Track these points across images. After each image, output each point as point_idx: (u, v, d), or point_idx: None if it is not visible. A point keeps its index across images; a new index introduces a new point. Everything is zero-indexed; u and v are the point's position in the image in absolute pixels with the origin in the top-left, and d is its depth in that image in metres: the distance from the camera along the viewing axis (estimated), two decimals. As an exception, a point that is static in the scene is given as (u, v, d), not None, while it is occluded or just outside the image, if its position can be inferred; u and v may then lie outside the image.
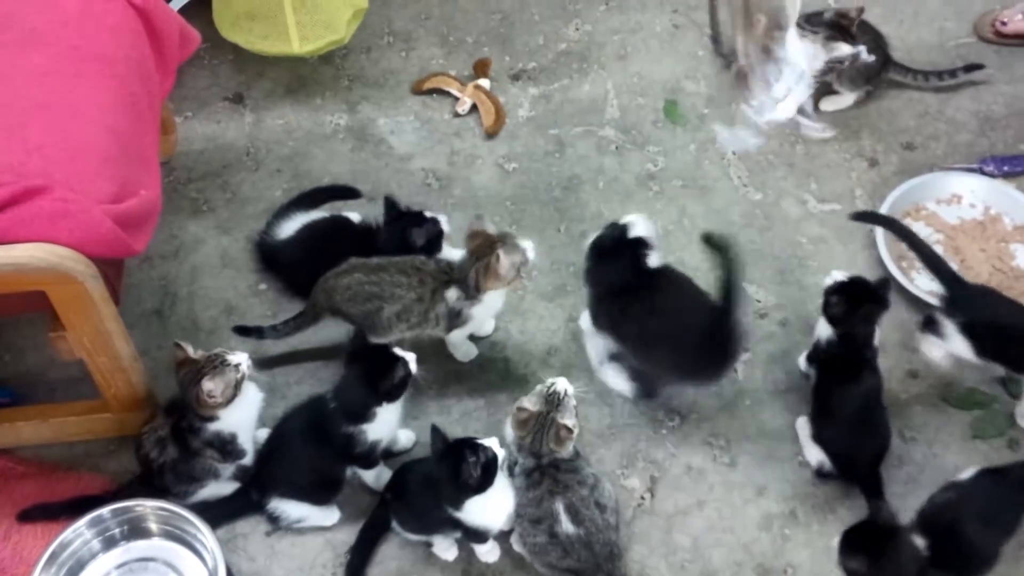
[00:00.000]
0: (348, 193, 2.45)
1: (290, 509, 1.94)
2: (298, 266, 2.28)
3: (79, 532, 1.86)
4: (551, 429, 1.82)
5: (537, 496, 1.84)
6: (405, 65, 2.77)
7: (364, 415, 1.89)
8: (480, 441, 1.79)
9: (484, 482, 1.78)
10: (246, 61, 2.74)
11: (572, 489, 1.83)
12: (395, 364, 1.88)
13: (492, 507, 1.83)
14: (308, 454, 1.93)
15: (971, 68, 2.61)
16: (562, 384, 1.85)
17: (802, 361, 2.14)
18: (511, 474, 1.88)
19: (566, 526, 1.82)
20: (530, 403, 1.84)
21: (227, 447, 1.91)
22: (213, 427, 1.88)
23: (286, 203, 2.39)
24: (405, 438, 2.06)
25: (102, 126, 1.86)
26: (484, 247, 2.01)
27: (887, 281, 2.04)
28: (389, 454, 2.01)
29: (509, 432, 1.89)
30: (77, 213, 1.72)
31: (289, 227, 2.31)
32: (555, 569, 1.87)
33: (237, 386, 1.87)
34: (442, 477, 1.79)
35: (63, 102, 1.85)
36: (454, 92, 2.68)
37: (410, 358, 1.89)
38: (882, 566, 1.74)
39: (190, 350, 1.88)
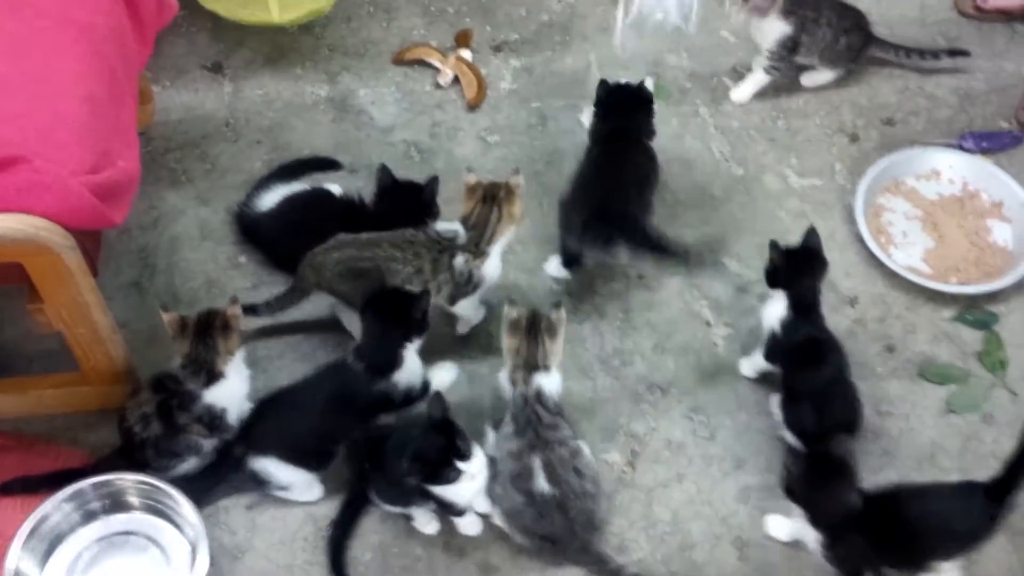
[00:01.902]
0: (329, 165, 2.43)
1: (280, 472, 1.93)
2: (278, 238, 2.27)
3: (59, 505, 1.86)
4: (542, 323, 1.87)
5: (518, 448, 1.85)
6: (386, 35, 2.74)
7: (394, 362, 1.91)
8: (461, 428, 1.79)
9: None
10: (225, 30, 2.70)
11: (552, 447, 1.85)
12: (413, 298, 1.91)
13: (461, 485, 1.82)
14: (318, 420, 1.93)
15: (955, 53, 2.61)
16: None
17: (751, 366, 2.14)
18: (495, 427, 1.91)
19: (541, 484, 1.83)
20: (515, 312, 1.90)
21: (216, 422, 1.90)
22: (207, 400, 1.88)
23: (266, 175, 2.38)
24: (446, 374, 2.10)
25: (79, 96, 1.83)
26: (491, 190, 2.04)
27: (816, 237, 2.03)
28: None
29: (503, 380, 1.91)
30: (54, 184, 1.70)
31: (269, 199, 2.30)
32: (532, 536, 1.88)
33: (238, 341, 1.89)
34: (426, 462, 1.77)
35: (39, 72, 1.82)
36: (435, 63, 2.66)
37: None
38: (819, 499, 1.76)
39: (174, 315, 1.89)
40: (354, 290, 2.05)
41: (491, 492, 1.90)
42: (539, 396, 1.87)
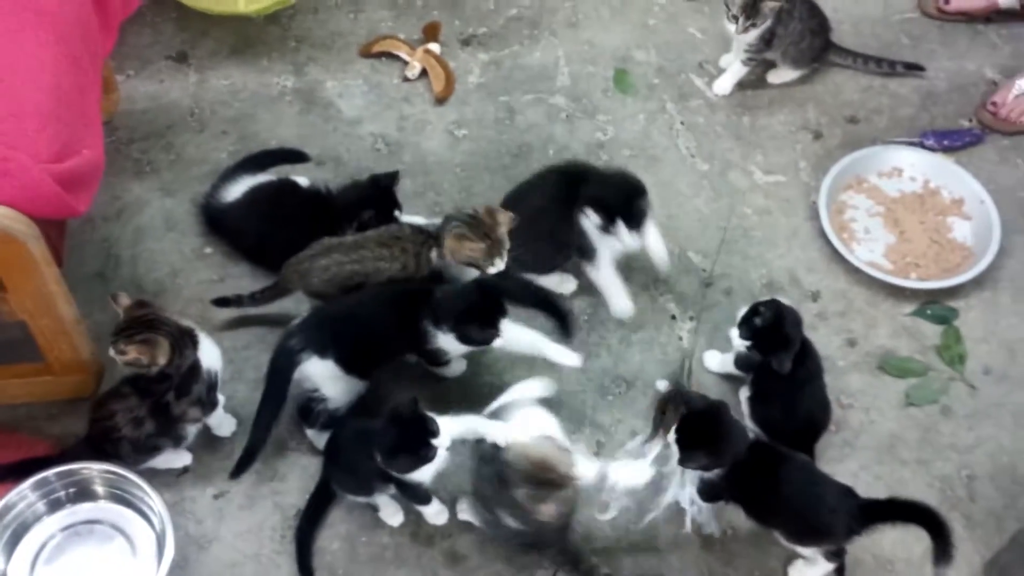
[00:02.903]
0: (295, 157, 2.42)
1: (316, 369, 1.93)
2: (244, 230, 2.27)
3: (23, 495, 1.85)
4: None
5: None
6: (353, 27, 2.74)
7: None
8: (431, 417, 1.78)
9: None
10: (190, 19, 2.68)
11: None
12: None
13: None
14: (380, 327, 1.96)
15: (911, 67, 2.65)
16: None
17: (718, 363, 2.16)
18: None
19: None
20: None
21: (212, 394, 1.91)
22: (204, 365, 1.87)
23: (232, 165, 2.36)
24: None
25: (43, 84, 1.81)
26: (481, 227, 1.99)
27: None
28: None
29: None
30: (17, 172, 1.68)
31: (235, 190, 2.28)
32: (501, 530, 1.88)
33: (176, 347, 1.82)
34: (397, 447, 1.76)
35: (3, 60, 1.80)
36: (403, 56, 2.66)
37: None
38: (722, 450, 1.78)
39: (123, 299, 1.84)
40: (342, 294, 2.05)
41: (477, 493, 1.90)
42: None
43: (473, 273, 2.05)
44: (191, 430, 1.94)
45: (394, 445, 1.75)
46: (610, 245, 2.13)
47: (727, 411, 1.81)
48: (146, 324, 1.79)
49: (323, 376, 1.95)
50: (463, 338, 1.93)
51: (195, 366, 1.86)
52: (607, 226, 2.07)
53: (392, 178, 2.23)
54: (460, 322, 1.91)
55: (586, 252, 2.16)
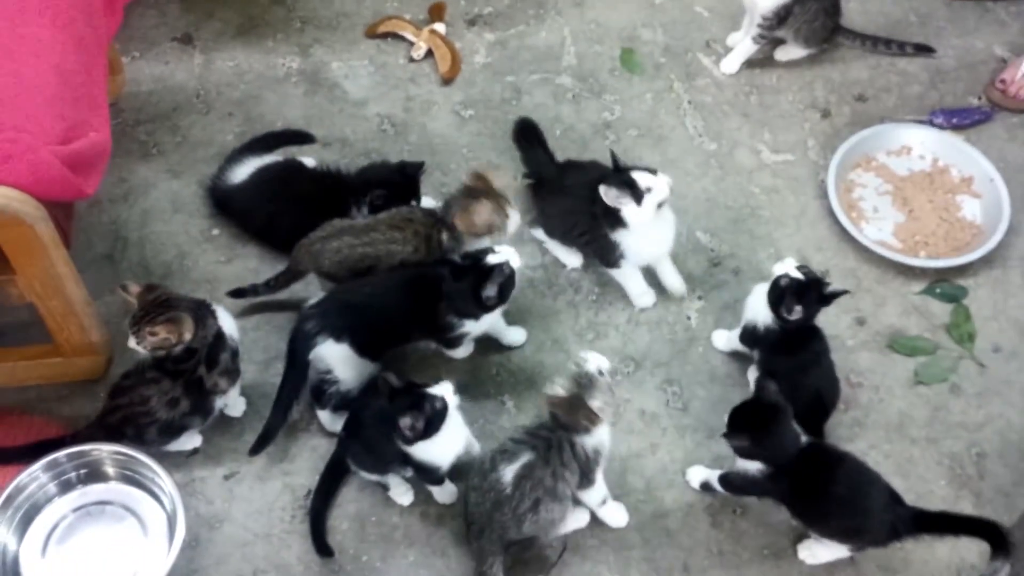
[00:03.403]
0: (302, 138, 2.42)
1: (331, 351, 1.96)
2: (252, 211, 2.26)
3: (35, 476, 1.86)
4: (583, 410, 1.77)
5: (525, 440, 1.83)
6: (359, 8, 2.73)
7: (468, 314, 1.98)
8: (429, 391, 1.78)
9: (429, 431, 1.77)
10: (195, 1, 2.67)
11: (547, 468, 1.80)
12: (492, 272, 1.92)
13: (439, 446, 1.83)
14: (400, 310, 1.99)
15: (921, 48, 2.64)
16: (594, 363, 1.81)
17: (725, 340, 2.16)
18: None
19: (506, 473, 1.80)
20: (561, 388, 1.78)
21: (235, 361, 1.93)
22: (225, 330, 1.89)
23: (239, 147, 2.36)
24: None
25: (49, 65, 1.81)
26: (478, 191, 2.02)
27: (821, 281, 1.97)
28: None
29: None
30: (25, 154, 1.68)
31: (242, 171, 2.28)
32: (471, 493, 1.86)
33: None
34: (389, 424, 1.78)
35: (7, 41, 1.80)
36: (409, 36, 2.65)
37: (511, 255, 1.94)
38: (765, 442, 1.79)
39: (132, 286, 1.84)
40: (352, 276, 2.05)
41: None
42: (571, 442, 1.82)
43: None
44: (218, 403, 1.95)
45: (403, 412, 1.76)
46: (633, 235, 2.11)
47: (787, 415, 1.79)
48: (163, 305, 1.80)
49: (337, 359, 1.96)
50: (485, 306, 1.94)
51: (219, 335, 1.88)
52: (627, 191, 2.04)
53: (418, 168, 2.22)
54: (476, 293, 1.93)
55: (607, 257, 2.17)
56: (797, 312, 1.90)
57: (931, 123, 2.51)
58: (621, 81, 2.62)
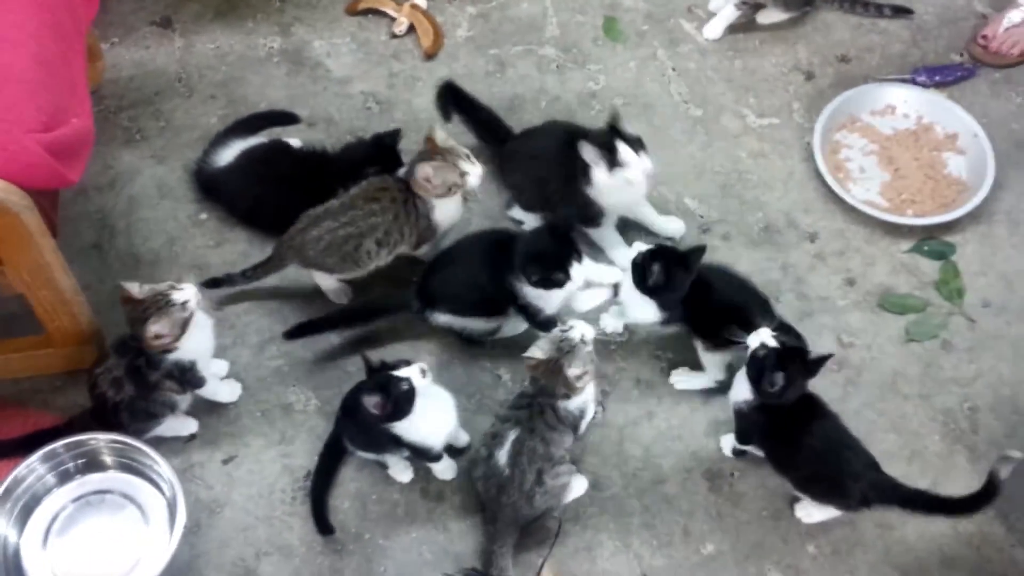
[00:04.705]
0: (286, 119, 2.41)
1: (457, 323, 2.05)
2: (239, 193, 2.25)
3: (32, 468, 1.85)
4: (560, 376, 1.79)
5: (509, 417, 1.85)
6: (338, -15, 2.71)
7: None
8: (396, 373, 1.77)
9: (397, 412, 1.78)
10: (172, -16, 2.65)
11: (535, 437, 1.82)
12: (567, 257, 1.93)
13: (420, 426, 1.83)
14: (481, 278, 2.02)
15: (900, 10, 2.63)
16: (579, 331, 1.81)
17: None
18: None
19: (501, 456, 1.83)
20: (540, 351, 1.81)
21: (186, 375, 1.89)
22: (172, 357, 1.86)
23: (223, 130, 2.35)
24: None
25: (28, 53, 1.79)
26: (427, 153, 2.03)
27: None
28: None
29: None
30: (7, 143, 1.67)
31: (227, 154, 2.27)
32: (478, 483, 1.90)
33: (185, 324, 1.83)
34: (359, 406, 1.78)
35: (-16, 30, 1.78)
36: (390, 12, 2.63)
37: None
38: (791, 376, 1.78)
39: (134, 289, 1.82)
40: (341, 259, 2.05)
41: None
42: (552, 405, 1.84)
43: (453, 213, 2.08)
44: (179, 400, 1.94)
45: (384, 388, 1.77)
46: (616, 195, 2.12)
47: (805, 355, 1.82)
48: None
49: (454, 322, 2.06)
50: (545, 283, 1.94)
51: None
52: (605, 156, 2.05)
53: (395, 136, 2.21)
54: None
55: (588, 217, 2.16)
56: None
57: (914, 81, 2.51)
58: (605, 50, 2.61)
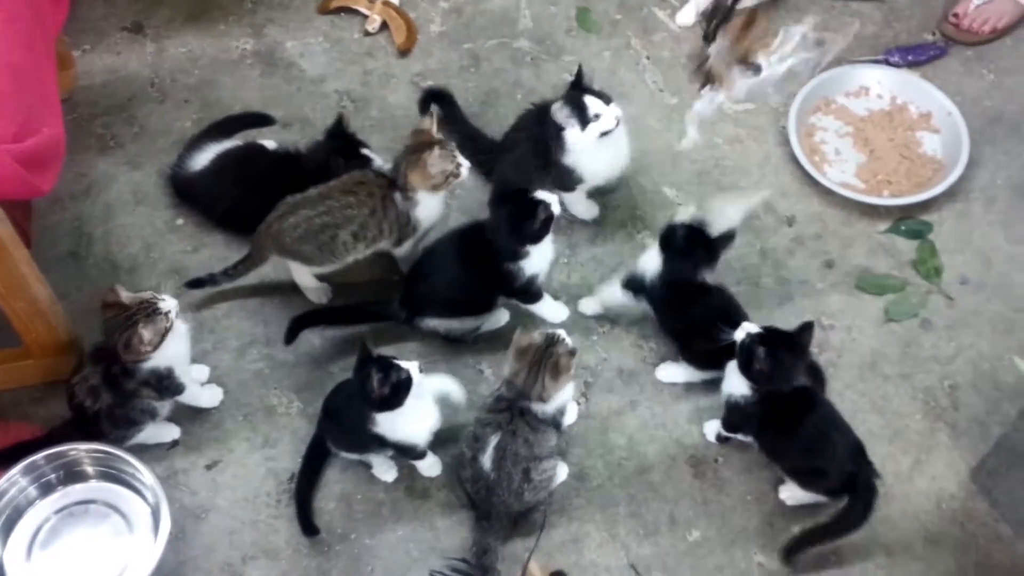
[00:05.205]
0: (261, 120, 2.40)
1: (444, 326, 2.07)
2: (215, 197, 2.24)
3: (13, 480, 1.85)
4: (550, 360, 1.79)
5: (489, 420, 1.85)
6: (309, -16, 2.69)
7: (516, 255, 1.98)
8: (397, 361, 1.79)
9: (392, 400, 1.78)
10: (142, -12, 2.64)
11: (516, 440, 1.82)
12: (536, 207, 1.93)
13: (405, 422, 1.84)
14: (463, 276, 2.03)
15: None
16: (563, 333, 1.84)
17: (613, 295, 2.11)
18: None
19: (484, 460, 1.83)
20: (531, 336, 1.82)
21: (164, 383, 1.89)
22: (148, 365, 1.85)
23: (198, 134, 2.34)
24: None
25: (-4, 64, 1.78)
26: (422, 144, 2.02)
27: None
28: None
29: (506, 369, 1.86)
30: (-23, 154, 1.65)
31: (202, 158, 2.26)
32: (466, 484, 1.92)
33: (165, 335, 1.83)
34: (356, 388, 1.79)
35: (-50, 40, 1.77)
36: (362, 10, 2.62)
37: (552, 200, 1.95)
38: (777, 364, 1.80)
39: (123, 294, 1.82)
40: (317, 248, 2.04)
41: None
42: (529, 408, 1.83)
43: (435, 210, 2.08)
44: (159, 407, 1.94)
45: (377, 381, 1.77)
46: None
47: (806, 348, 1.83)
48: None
49: (444, 325, 2.08)
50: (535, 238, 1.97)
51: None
52: (576, 114, 2.06)
53: (339, 123, 2.19)
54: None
55: (563, 180, 2.17)
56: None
57: (887, 62, 2.52)
58: (579, 41, 2.60)
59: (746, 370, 1.82)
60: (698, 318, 1.97)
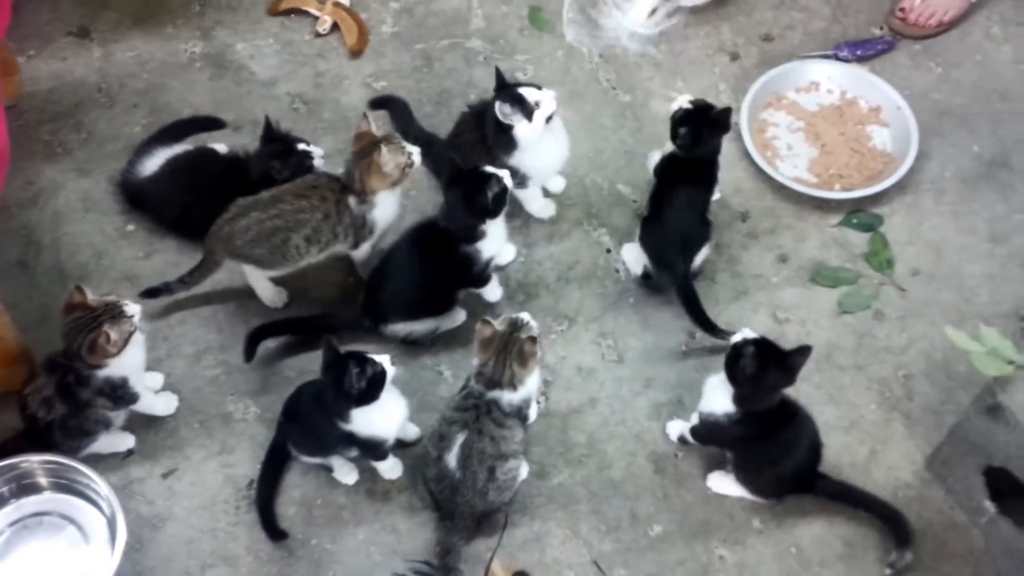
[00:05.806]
0: (211, 124, 2.38)
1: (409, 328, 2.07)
2: (166, 202, 2.22)
3: (-36, 494, 1.82)
4: (515, 347, 1.80)
5: (456, 419, 1.84)
6: (259, -14, 2.67)
7: (473, 235, 1.98)
8: (370, 355, 1.79)
9: (369, 394, 1.78)
10: (87, -8, 2.60)
11: (483, 438, 1.81)
12: (489, 181, 1.95)
13: (380, 417, 1.84)
14: (423, 275, 2.03)
15: None
16: (526, 316, 1.85)
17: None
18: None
19: (450, 459, 1.83)
20: (495, 322, 1.83)
21: (119, 392, 1.86)
22: (103, 374, 1.82)
23: (147, 139, 2.31)
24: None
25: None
26: (368, 146, 2.00)
27: (728, 109, 2.09)
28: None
29: (474, 361, 1.85)
30: (-81, 165, 1.62)
31: (152, 163, 2.24)
32: (430, 484, 1.91)
33: (128, 339, 1.81)
34: (328, 386, 1.79)
35: None
36: (312, 11, 2.60)
37: (504, 174, 1.97)
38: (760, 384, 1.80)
39: (89, 295, 1.80)
40: (269, 251, 2.02)
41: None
42: (496, 402, 1.83)
43: (389, 211, 2.07)
44: (113, 416, 1.91)
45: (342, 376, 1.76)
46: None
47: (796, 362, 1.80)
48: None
49: (407, 328, 2.08)
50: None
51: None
52: (518, 107, 2.07)
53: (268, 126, 2.16)
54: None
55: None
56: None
57: (836, 57, 2.55)
58: (531, 40, 2.60)
59: (730, 367, 1.79)
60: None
